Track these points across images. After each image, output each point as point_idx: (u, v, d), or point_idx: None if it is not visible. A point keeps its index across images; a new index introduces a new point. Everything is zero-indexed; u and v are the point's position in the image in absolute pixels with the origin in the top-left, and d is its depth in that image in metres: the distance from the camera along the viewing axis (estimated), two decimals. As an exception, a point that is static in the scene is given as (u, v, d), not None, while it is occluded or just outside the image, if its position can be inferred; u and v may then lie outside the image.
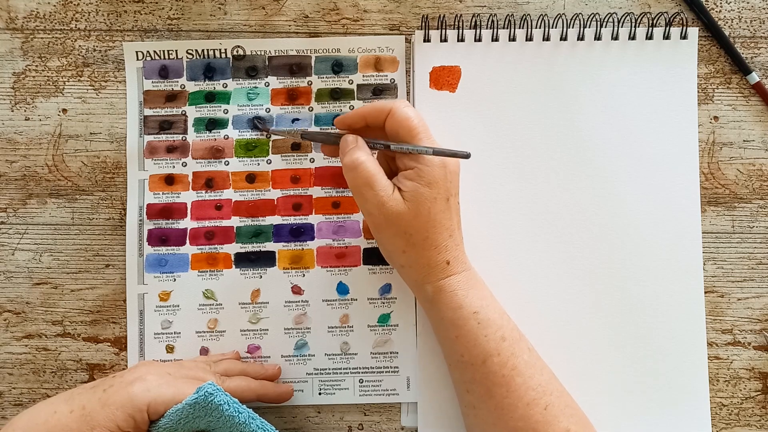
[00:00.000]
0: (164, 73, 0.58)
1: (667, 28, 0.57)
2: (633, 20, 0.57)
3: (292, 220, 0.58)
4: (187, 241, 0.57)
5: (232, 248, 0.57)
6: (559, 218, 0.56)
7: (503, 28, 0.57)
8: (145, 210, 0.57)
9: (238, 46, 0.58)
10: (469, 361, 0.49)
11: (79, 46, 0.58)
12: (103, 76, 0.58)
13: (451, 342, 0.49)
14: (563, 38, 0.57)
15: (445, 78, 0.57)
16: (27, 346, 0.57)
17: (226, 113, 0.58)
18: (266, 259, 0.57)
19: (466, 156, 0.48)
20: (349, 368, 0.57)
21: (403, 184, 0.48)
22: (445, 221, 0.49)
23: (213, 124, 0.58)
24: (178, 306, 0.57)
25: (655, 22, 0.57)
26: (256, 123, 0.57)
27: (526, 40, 0.57)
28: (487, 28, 0.57)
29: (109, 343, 0.57)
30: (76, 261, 0.57)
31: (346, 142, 0.50)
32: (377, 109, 0.50)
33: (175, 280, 0.57)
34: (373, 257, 0.57)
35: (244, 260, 0.57)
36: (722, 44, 0.58)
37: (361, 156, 0.48)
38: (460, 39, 0.57)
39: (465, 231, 0.53)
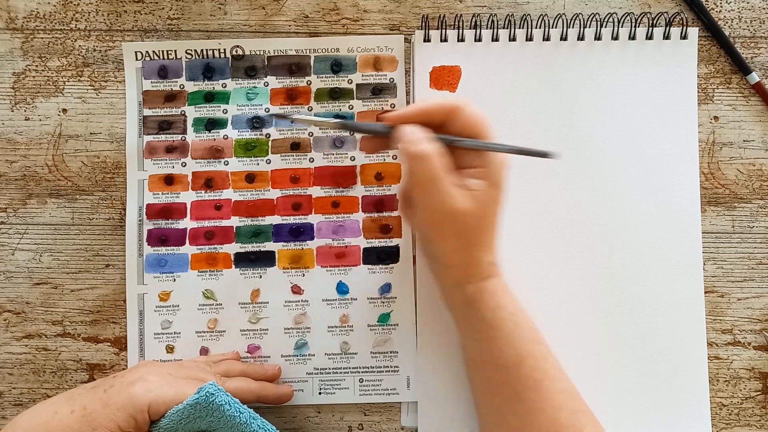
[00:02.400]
0: (163, 73, 0.58)
1: (667, 28, 0.57)
2: (633, 20, 0.57)
3: (291, 219, 0.58)
4: (187, 241, 0.57)
5: (232, 248, 0.57)
6: (559, 218, 0.56)
7: (503, 28, 0.57)
8: (144, 210, 0.57)
9: (237, 46, 0.58)
10: (503, 364, 0.48)
11: (79, 46, 0.58)
12: (103, 76, 0.58)
13: (485, 343, 0.49)
14: (563, 38, 0.57)
15: (445, 78, 0.57)
16: (27, 346, 0.57)
17: (226, 113, 0.58)
18: (266, 259, 0.57)
19: (548, 155, 0.47)
20: (349, 368, 0.57)
21: (467, 182, 0.47)
22: (496, 223, 0.49)
23: (212, 124, 0.58)
24: (178, 306, 0.57)
25: (655, 22, 0.57)
26: (277, 115, 0.56)
27: (526, 40, 0.57)
28: (487, 28, 0.57)
29: (109, 343, 0.57)
30: (76, 261, 0.57)
31: (406, 131, 0.46)
32: (438, 108, 0.47)
33: (174, 280, 0.57)
34: (372, 257, 0.57)
35: (243, 260, 0.57)
36: (722, 44, 0.58)
37: (432, 148, 0.46)
38: (460, 39, 0.57)
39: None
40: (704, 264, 0.57)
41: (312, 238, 0.58)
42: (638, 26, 0.57)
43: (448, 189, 0.46)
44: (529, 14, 0.57)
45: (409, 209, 0.51)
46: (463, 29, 0.57)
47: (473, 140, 0.47)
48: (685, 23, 0.57)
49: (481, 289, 0.49)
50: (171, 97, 0.58)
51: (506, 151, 0.47)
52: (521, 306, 0.50)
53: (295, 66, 0.58)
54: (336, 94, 0.58)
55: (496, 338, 0.48)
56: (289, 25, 0.58)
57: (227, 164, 0.58)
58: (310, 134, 0.58)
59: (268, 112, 0.57)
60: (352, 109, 0.58)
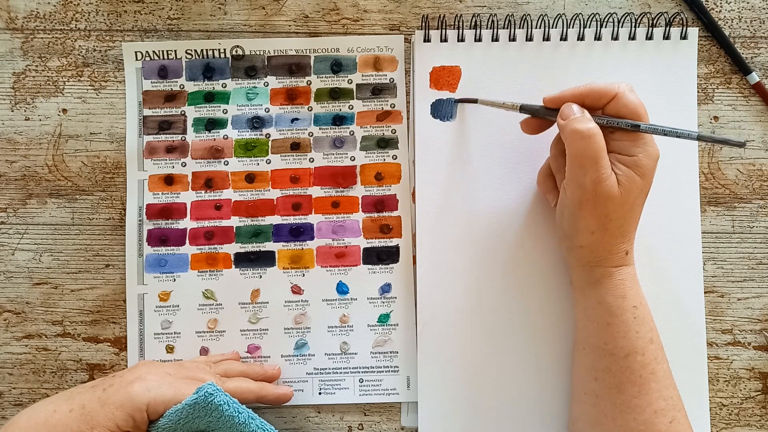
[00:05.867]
0: (163, 73, 0.58)
1: (667, 29, 0.57)
2: (633, 20, 0.57)
3: (291, 219, 0.58)
4: (187, 241, 0.57)
5: (232, 248, 0.57)
6: (559, 218, 0.56)
7: (503, 28, 0.57)
8: (144, 210, 0.57)
9: (237, 46, 0.58)
10: (612, 350, 0.48)
11: (79, 46, 0.58)
12: (103, 76, 0.58)
13: (600, 327, 0.49)
14: (563, 38, 0.57)
15: (445, 78, 0.57)
16: (27, 346, 0.57)
17: (226, 113, 0.58)
18: (266, 259, 0.57)
19: (742, 144, 0.46)
20: (349, 368, 0.57)
21: (619, 169, 0.47)
22: (638, 214, 0.49)
23: (212, 124, 0.58)
24: (178, 306, 0.57)
25: (655, 22, 0.57)
26: (463, 99, 0.56)
27: (526, 40, 0.57)
28: (487, 28, 0.57)
29: (109, 343, 0.57)
30: (76, 261, 0.57)
31: (572, 110, 0.48)
32: (598, 92, 0.48)
33: (174, 280, 0.57)
34: (372, 257, 0.57)
35: (243, 260, 0.57)
36: (722, 44, 0.58)
37: (595, 128, 0.47)
38: (460, 39, 0.57)
39: (460, 226, 0.53)
40: (704, 264, 0.57)
41: (312, 238, 0.58)
42: (638, 26, 0.57)
43: (606, 171, 0.47)
44: (529, 14, 0.57)
45: (547, 185, 0.53)
46: (463, 29, 0.57)
47: (647, 124, 0.47)
48: (685, 23, 0.57)
49: (609, 274, 0.49)
50: (171, 97, 0.58)
51: (686, 136, 0.47)
52: (645, 302, 0.50)
53: (295, 66, 0.58)
54: (336, 94, 0.58)
55: (613, 325, 0.48)
56: (289, 25, 0.58)
57: (227, 164, 0.58)
58: (310, 134, 0.58)
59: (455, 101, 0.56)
60: (352, 109, 0.58)
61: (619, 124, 0.48)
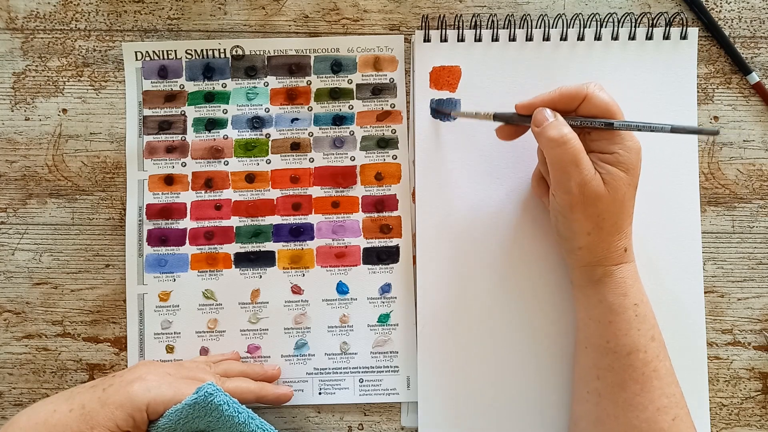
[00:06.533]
0: (163, 73, 0.58)
1: (667, 29, 0.57)
2: (633, 20, 0.57)
3: (291, 219, 0.58)
4: (187, 241, 0.57)
5: (232, 248, 0.57)
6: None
7: (503, 28, 0.57)
8: (144, 210, 0.57)
9: (237, 46, 0.58)
10: (614, 348, 0.48)
11: (79, 46, 0.58)
12: (103, 76, 0.58)
13: (602, 326, 0.49)
14: (563, 38, 0.57)
15: (445, 78, 0.57)
16: (27, 346, 0.57)
17: (226, 113, 0.58)
18: (266, 259, 0.57)
19: (715, 133, 0.47)
20: (349, 368, 0.57)
21: (602, 167, 0.48)
22: (630, 208, 0.49)
23: (212, 124, 0.58)
24: (178, 306, 0.57)
25: (655, 22, 0.57)
26: (438, 108, 0.56)
27: (526, 40, 0.57)
28: (487, 28, 0.57)
29: (109, 343, 0.57)
30: (76, 261, 0.57)
31: (545, 115, 0.48)
32: (568, 95, 0.48)
33: (174, 280, 0.57)
34: (372, 257, 0.57)
35: (243, 260, 0.57)
36: (722, 44, 0.58)
37: (570, 132, 0.47)
38: (460, 39, 0.57)
39: (460, 226, 0.53)
40: (704, 264, 0.57)
41: (312, 238, 0.58)
42: (638, 26, 0.57)
43: (588, 172, 0.47)
44: (529, 14, 0.57)
45: (541, 189, 0.54)
46: (463, 29, 0.57)
47: (620, 121, 0.48)
48: (685, 23, 0.57)
49: (610, 273, 0.49)
50: (171, 97, 0.58)
51: (659, 130, 0.47)
52: (647, 299, 0.50)
53: (295, 66, 0.58)
54: (336, 94, 0.58)
55: (614, 323, 0.49)
56: (289, 25, 0.58)
57: (227, 164, 0.58)
58: (310, 134, 0.58)
59: (433, 105, 0.57)
60: (352, 109, 0.58)
61: (592, 123, 0.48)
